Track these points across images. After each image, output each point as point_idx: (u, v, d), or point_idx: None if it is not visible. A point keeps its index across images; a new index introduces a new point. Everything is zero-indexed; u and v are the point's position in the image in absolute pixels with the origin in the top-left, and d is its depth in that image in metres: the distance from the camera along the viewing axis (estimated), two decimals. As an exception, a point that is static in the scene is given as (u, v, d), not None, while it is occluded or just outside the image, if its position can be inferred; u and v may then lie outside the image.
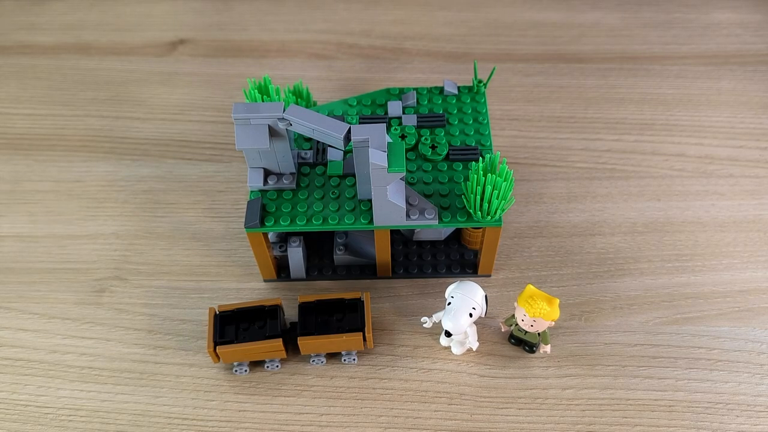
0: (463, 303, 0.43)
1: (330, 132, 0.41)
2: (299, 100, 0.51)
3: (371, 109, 0.51)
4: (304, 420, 0.44)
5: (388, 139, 0.42)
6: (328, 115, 0.50)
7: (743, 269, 0.51)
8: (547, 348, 0.45)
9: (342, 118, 0.50)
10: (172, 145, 0.60)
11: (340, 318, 0.46)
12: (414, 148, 0.48)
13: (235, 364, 0.46)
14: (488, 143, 0.49)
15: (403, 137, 0.49)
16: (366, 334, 0.44)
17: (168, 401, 0.46)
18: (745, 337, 0.47)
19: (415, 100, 0.51)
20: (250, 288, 0.51)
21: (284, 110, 0.42)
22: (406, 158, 0.48)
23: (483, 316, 0.44)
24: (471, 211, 0.44)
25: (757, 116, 0.61)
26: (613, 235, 0.53)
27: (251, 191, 0.46)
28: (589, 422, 0.44)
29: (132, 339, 0.49)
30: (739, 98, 0.63)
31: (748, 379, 0.45)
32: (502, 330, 0.47)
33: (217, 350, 0.44)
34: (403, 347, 0.47)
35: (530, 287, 0.43)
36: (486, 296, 0.44)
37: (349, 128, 0.42)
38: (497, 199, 0.42)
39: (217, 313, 0.45)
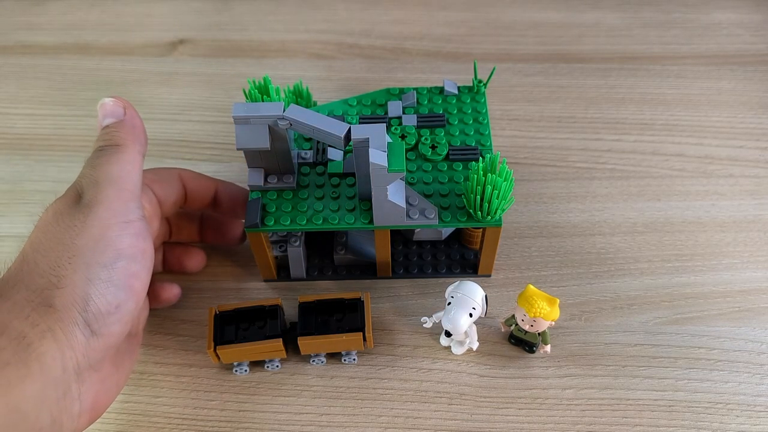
0: (463, 303, 0.43)
1: (330, 132, 0.41)
2: (299, 100, 0.51)
3: (371, 109, 0.51)
4: (304, 420, 0.44)
5: (388, 139, 0.42)
6: (328, 115, 0.50)
7: (743, 269, 0.51)
8: (547, 348, 0.45)
9: (342, 118, 0.50)
10: (172, 145, 0.60)
11: (340, 318, 0.46)
12: (414, 148, 0.48)
13: (235, 364, 0.46)
14: (488, 143, 0.48)
15: (403, 137, 0.49)
16: (366, 334, 0.44)
17: (168, 401, 0.46)
18: (745, 337, 0.47)
19: (415, 100, 0.51)
20: (250, 288, 0.51)
21: (284, 110, 0.42)
22: (406, 158, 0.48)
23: (483, 316, 0.44)
24: (471, 211, 0.44)
25: (757, 116, 0.61)
26: (613, 235, 0.53)
27: (251, 191, 0.46)
28: (589, 422, 0.44)
29: (132, 339, 0.49)
30: (739, 98, 0.63)
31: (748, 379, 0.45)
32: (502, 330, 0.47)
33: (217, 350, 0.44)
34: (403, 347, 0.47)
35: (530, 287, 0.43)
36: (486, 296, 0.44)
37: (349, 128, 0.42)
38: (497, 199, 0.42)
39: (217, 313, 0.45)
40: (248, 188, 0.46)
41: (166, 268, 0.50)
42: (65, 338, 0.33)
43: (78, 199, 0.37)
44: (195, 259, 0.50)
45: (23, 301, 0.33)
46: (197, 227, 0.51)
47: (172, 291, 0.48)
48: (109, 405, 0.39)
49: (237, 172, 0.58)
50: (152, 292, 0.47)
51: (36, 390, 0.32)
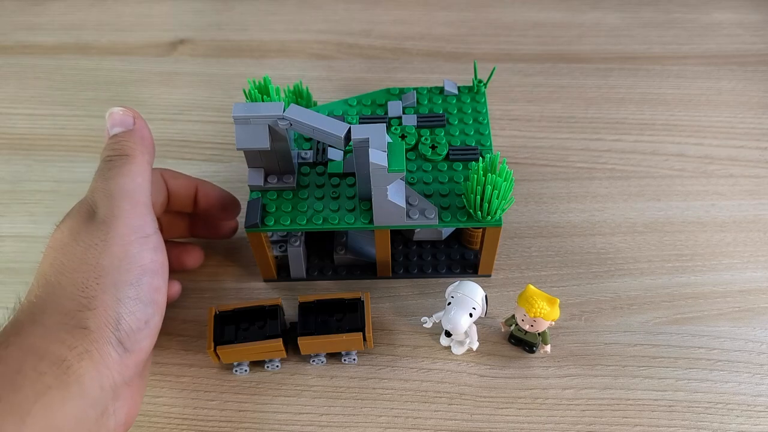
0: (463, 303, 0.43)
1: (330, 132, 0.41)
2: (299, 100, 0.51)
3: (371, 109, 0.51)
4: (304, 420, 0.44)
5: (388, 139, 0.42)
6: (328, 115, 0.50)
7: (743, 269, 0.51)
8: (547, 348, 0.45)
9: (342, 118, 0.50)
10: (172, 145, 0.60)
11: (340, 318, 0.46)
12: (414, 148, 0.49)
13: (235, 364, 0.46)
14: (488, 143, 0.48)
15: (403, 137, 0.49)
16: (366, 334, 0.44)
17: (168, 401, 0.46)
18: (745, 337, 0.47)
19: (415, 100, 0.51)
20: (250, 288, 0.51)
21: (284, 110, 0.42)
22: (406, 158, 0.48)
23: (483, 316, 0.44)
24: (471, 211, 0.44)
25: (757, 116, 0.61)
26: (613, 235, 0.53)
27: (251, 191, 0.46)
28: (589, 422, 0.44)
29: (132, 339, 0.49)
30: (739, 98, 0.63)
31: (748, 379, 0.45)
32: (502, 330, 0.47)
33: (217, 350, 0.44)
34: (403, 347, 0.47)
35: (530, 287, 0.43)
36: (486, 296, 0.44)
37: (349, 128, 0.42)
38: (497, 199, 0.42)
39: (217, 313, 0.45)
40: (248, 188, 0.46)
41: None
42: (101, 358, 0.34)
43: (92, 215, 0.37)
44: (193, 256, 0.50)
45: (57, 325, 0.34)
46: (187, 223, 0.51)
47: (173, 288, 0.48)
48: (137, 414, 0.39)
49: (237, 172, 0.58)
50: (176, 258, 0.48)
51: (77, 411, 0.33)
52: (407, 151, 0.48)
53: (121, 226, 0.36)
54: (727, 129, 0.60)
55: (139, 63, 0.68)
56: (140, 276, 0.36)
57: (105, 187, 0.38)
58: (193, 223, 0.51)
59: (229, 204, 0.49)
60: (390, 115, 0.50)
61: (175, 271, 0.50)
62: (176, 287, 0.48)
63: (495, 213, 0.44)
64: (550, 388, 0.45)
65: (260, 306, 0.45)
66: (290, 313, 0.48)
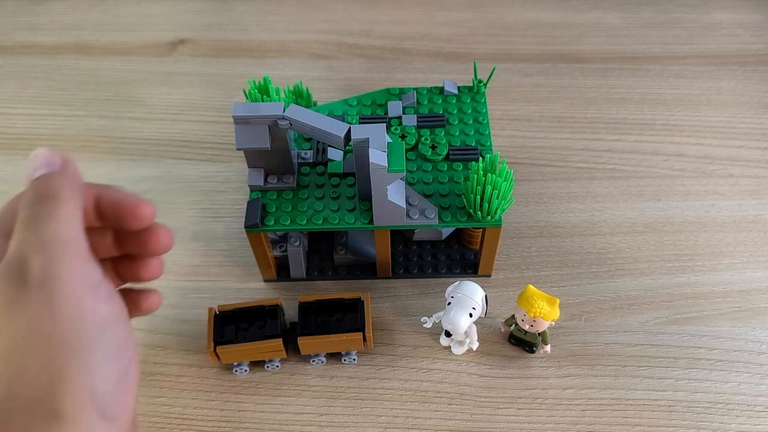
0: (463, 303, 0.43)
1: (330, 132, 0.41)
2: (299, 100, 0.51)
3: (371, 109, 0.51)
4: (304, 420, 0.44)
5: (388, 139, 0.42)
6: (328, 115, 0.50)
7: (743, 269, 0.51)
8: (547, 348, 0.45)
9: (342, 118, 0.50)
10: (172, 145, 0.60)
11: (340, 318, 0.46)
12: (414, 148, 0.48)
13: (235, 364, 0.46)
14: (488, 143, 0.48)
15: (403, 137, 0.49)
16: (366, 334, 0.44)
17: (168, 401, 0.45)
18: (745, 337, 0.47)
19: (415, 100, 0.51)
20: (250, 288, 0.51)
21: (284, 110, 0.42)
22: (406, 158, 0.48)
23: (483, 316, 0.44)
24: (471, 211, 0.44)
25: (757, 116, 0.61)
26: (613, 235, 0.53)
27: (251, 191, 0.46)
28: (589, 422, 0.44)
29: (132, 339, 0.48)
30: (739, 98, 0.63)
31: (748, 379, 0.45)
32: (502, 330, 0.47)
33: (217, 350, 0.44)
34: (403, 347, 0.47)
35: (530, 287, 0.43)
36: (486, 296, 0.44)
37: (349, 128, 0.42)
38: (497, 199, 0.42)
39: (217, 313, 0.45)
40: (248, 188, 0.46)
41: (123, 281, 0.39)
42: None
43: (24, 276, 0.30)
44: (151, 299, 0.39)
45: (27, 421, 0.29)
46: (111, 240, 0.38)
47: (150, 298, 0.39)
48: None
49: (237, 172, 0.58)
50: (130, 303, 0.38)
51: None
52: (407, 151, 0.48)
53: (64, 284, 0.30)
54: (727, 129, 0.60)
55: (139, 63, 0.68)
56: (101, 334, 0.31)
57: (35, 239, 0.31)
58: (119, 239, 0.38)
59: (138, 208, 0.35)
60: (390, 115, 0.50)
61: (131, 317, 0.39)
62: (155, 298, 0.39)
63: (495, 213, 0.44)
64: (550, 388, 0.45)
65: (260, 306, 0.45)
66: (290, 313, 0.48)
